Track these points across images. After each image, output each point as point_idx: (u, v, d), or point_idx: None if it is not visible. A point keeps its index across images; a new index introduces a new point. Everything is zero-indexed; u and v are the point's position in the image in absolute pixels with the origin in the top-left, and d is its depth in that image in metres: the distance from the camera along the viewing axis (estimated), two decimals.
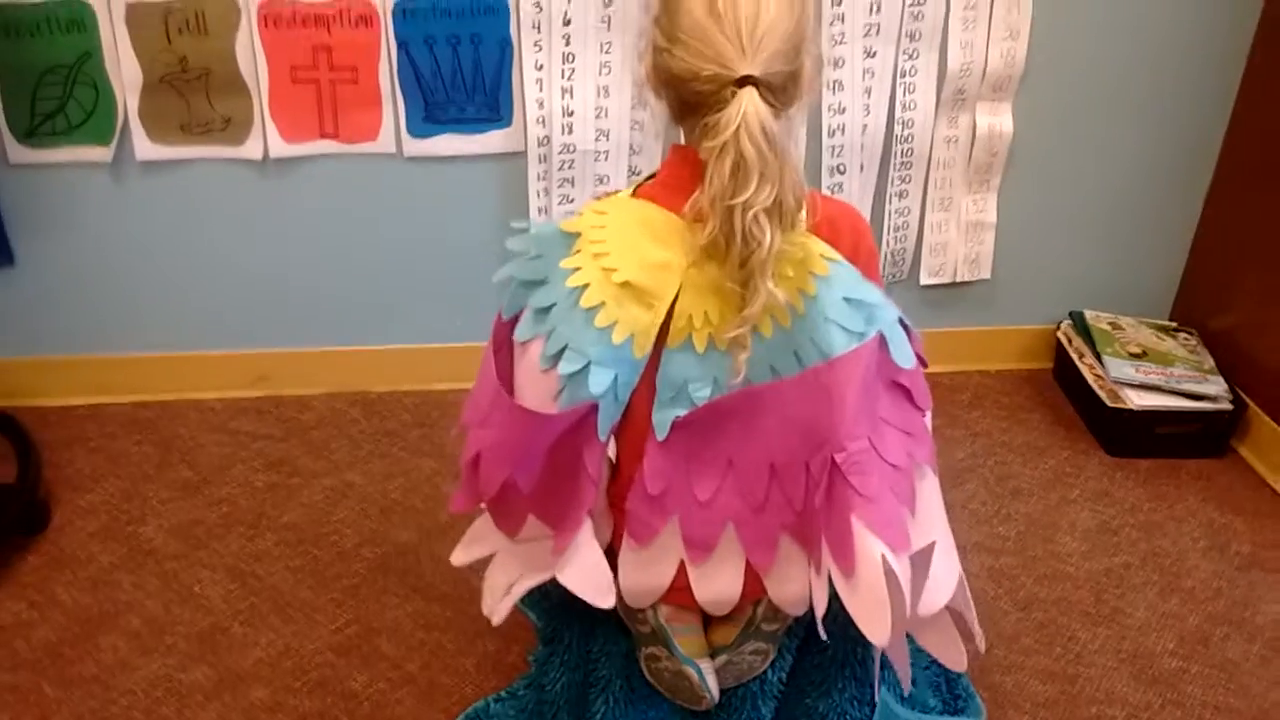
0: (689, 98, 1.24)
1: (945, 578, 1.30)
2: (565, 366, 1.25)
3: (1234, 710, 1.71)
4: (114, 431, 2.29)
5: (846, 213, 1.39)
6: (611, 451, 1.39)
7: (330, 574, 1.92)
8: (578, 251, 1.28)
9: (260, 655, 1.76)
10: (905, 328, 1.31)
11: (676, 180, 1.30)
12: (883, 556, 1.21)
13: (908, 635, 1.39)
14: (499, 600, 1.41)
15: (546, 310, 1.27)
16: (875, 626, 1.22)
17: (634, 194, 1.34)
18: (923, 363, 1.34)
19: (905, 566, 1.23)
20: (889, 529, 1.23)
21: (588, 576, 1.35)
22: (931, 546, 1.25)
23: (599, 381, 1.25)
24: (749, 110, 1.18)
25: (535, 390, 1.28)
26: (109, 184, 2.20)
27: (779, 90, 1.22)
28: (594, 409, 1.28)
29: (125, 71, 2.10)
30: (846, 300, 1.26)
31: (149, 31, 2.07)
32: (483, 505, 1.41)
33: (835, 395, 1.24)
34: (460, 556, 1.47)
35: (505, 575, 1.42)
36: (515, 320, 1.31)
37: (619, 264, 1.26)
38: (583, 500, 1.33)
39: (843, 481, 1.24)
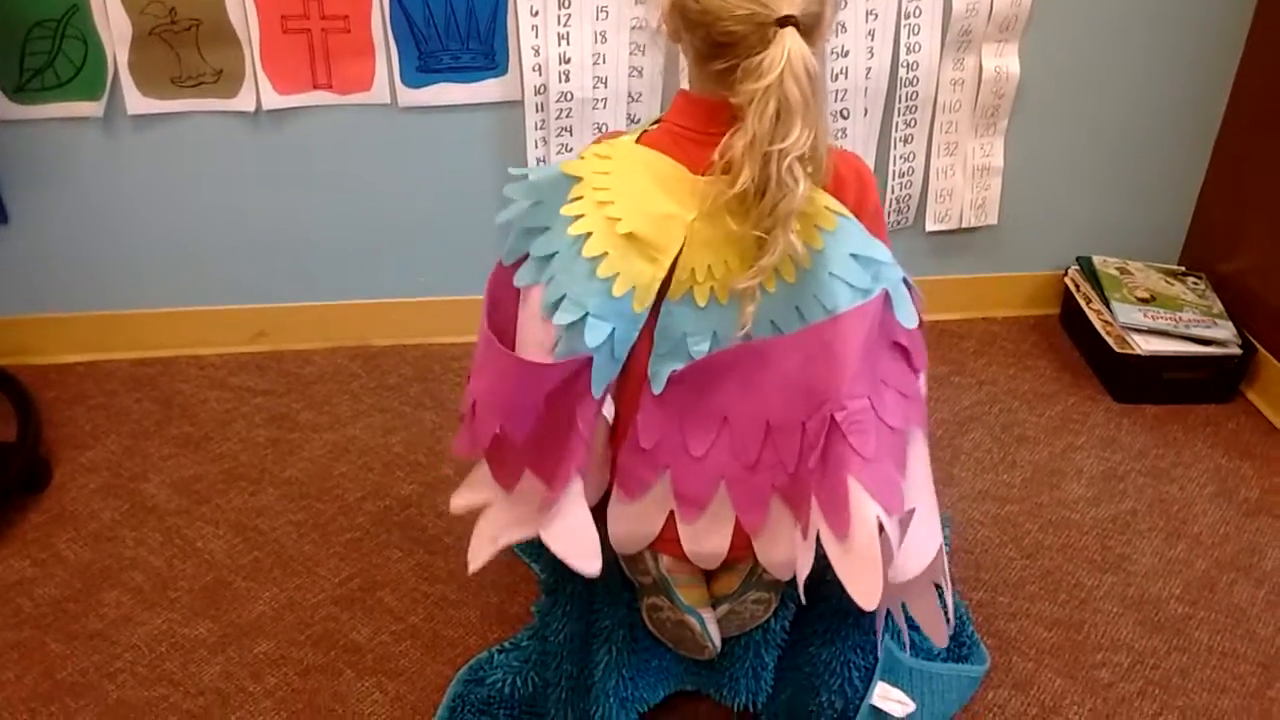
0: (720, 38, 1.19)
1: (923, 545, 1.28)
2: (562, 317, 1.22)
3: (1240, 655, 1.70)
4: (114, 388, 2.28)
5: (851, 164, 1.35)
6: (609, 409, 1.36)
7: (332, 528, 1.92)
8: (580, 197, 1.24)
9: (263, 609, 1.76)
10: (909, 286, 1.28)
11: (683, 129, 1.27)
12: (878, 519, 1.19)
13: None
14: (481, 549, 1.38)
15: (548, 259, 1.24)
16: (865, 589, 1.20)
17: (638, 140, 1.30)
18: (920, 323, 1.31)
19: (896, 530, 1.22)
20: (884, 491, 1.21)
21: (572, 539, 1.32)
22: (911, 512, 1.23)
23: (595, 335, 1.22)
24: (793, 51, 1.14)
25: (535, 338, 1.26)
26: (101, 139, 2.18)
27: (809, 30, 1.18)
28: (588, 364, 1.25)
29: (114, 24, 2.06)
30: (853, 256, 1.23)
31: None
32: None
33: (838, 352, 1.22)
34: (458, 501, 1.43)
35: (492, 526, 1.38)
36: (515, 266, 1.28)
37: (623, 213, 1.23)
38: (571, 457, 1.29)
39: (841, 441, 1.21)
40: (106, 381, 2.30)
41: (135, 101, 2.14)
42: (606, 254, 1.22)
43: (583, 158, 1.28)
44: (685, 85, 1.32)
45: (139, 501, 1.98)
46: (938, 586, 1.36)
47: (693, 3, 1.20)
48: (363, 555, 1.86)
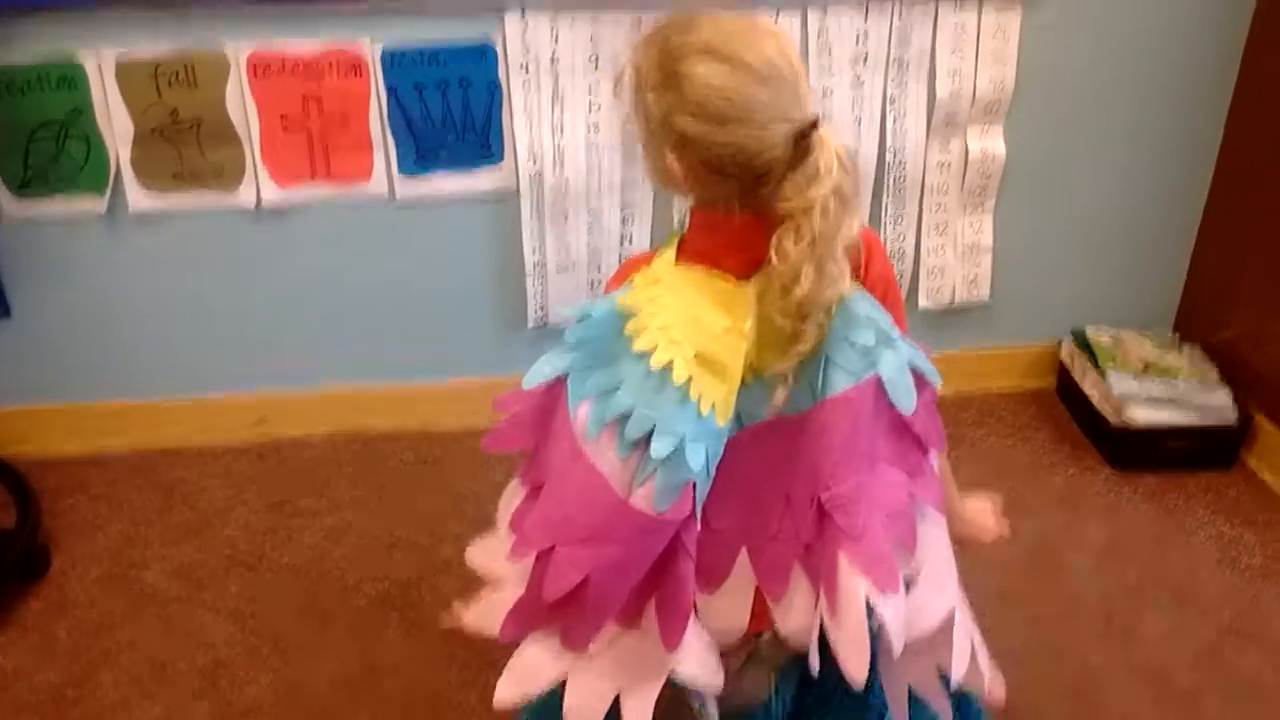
0: (761, 169, 1.18)
1: (929, 609, 1.27)
2: (659, 448, 1.15)
3: None
4: (115, 478, 2.29)
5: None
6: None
7: (331, 613, 1.91)
8: (644, 329, 1.20)
9: (261, 695, 1.75)
10: (916, 369, 1.25)
11: (712, 244, 1.26)
12: (866, 596, 1.19)
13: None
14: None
15: (611, 394, 1.19)
16: (854, 665, 1.19)
17: (677, 260, 1.28)
18: (934, 400, 1.30)
19: (893, 607, 1.21)
20: (875, 568, 1.21)
21: (703, 663, 1.27)
22: (914, 575, 1.23)
23: (697, 458, 1.17)
24: (839, 149, 1.16)
25: (614, 481, 1.18)
26: (103, 235, 2.21)
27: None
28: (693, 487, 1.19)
29: (116, 124, 2.12)
30: (848, 341, 1.24)
31: (139, 86, 2.09)
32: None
33: (824, 436, 1.23)
34: (513, 694, 1.27)
35: (599, 697, 1.26)
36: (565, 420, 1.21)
37: (685, 336, 1.19)
38: (686, 584, 1.24)
39: (830, 521, 1.22)
40: (108, 471, 2.31)
41: (137, 198, 2.18)
42: (692, 378, 1.18)
43: (633, 290, 1.24)
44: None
45: (139, 589, 1.98)
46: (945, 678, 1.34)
47: (720, 149, 1.18)
48: (362, 640, 1.85)
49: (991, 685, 1.35)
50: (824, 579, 1.24)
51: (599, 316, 1.22)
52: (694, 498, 1.19)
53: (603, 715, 1.26)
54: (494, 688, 1.57)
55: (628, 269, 1.34)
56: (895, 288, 1.39)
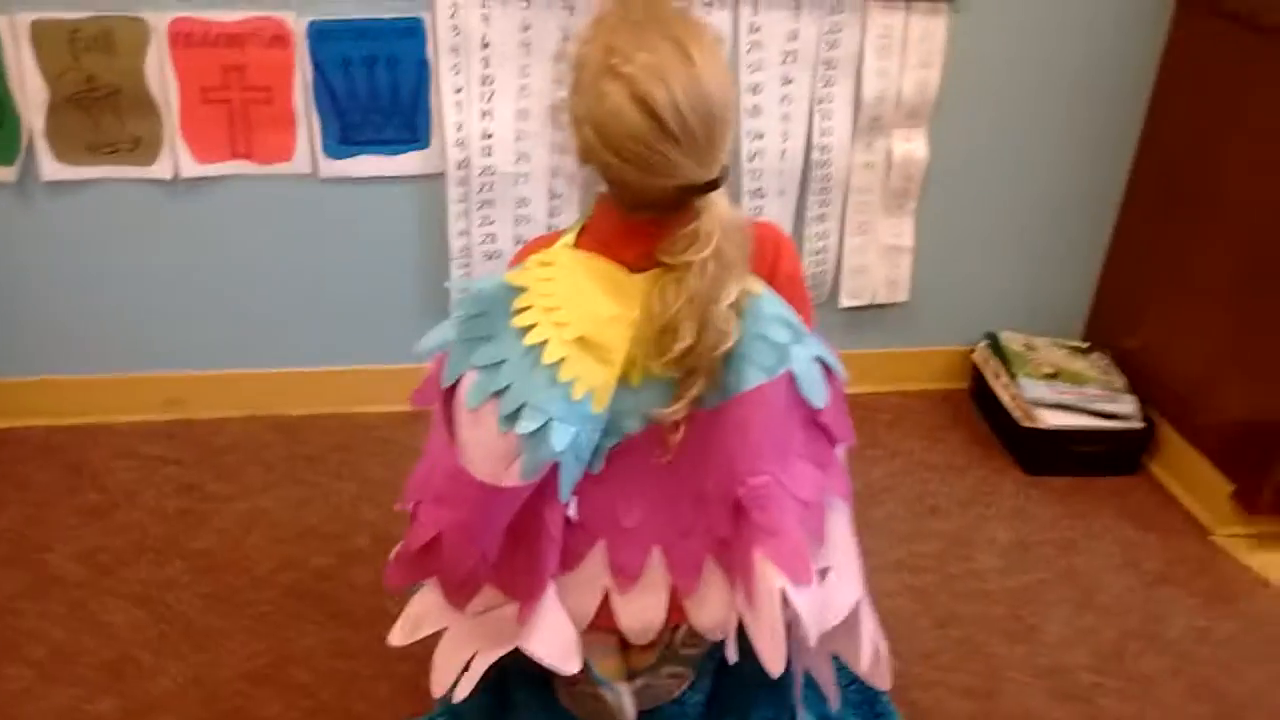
0: (638, 198, 1.23)
1: (840, 601, 1.30)
2: (525, 425, 1.19)
3: None
4: (22, 455, 2.23)
5: (762, 231, 1.37)
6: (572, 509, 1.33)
7: (242, 601, 1.88)
8: (528, 306, 1.23)
9: (170, 685, 1.72)
10: (826, 364, 1.29)
11: (612, 234, 1.28)
12: (782, 590, 1.21)
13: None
14: (452, 677, 1.33)
15: (496, 367, 1.21)
16: (772, 656, 1.22)
17: (576, 244, 1.31)
18: (841, 394, 1.33)
19: (808, 598, 1.23)
20: (790, 562, 1.24)
21: (554, 643, 1.30)
22: (825, 570, 1.26)
23: (561, 439, 1.20)
24: (724, 216, 1.19)
25: (489, 455, 1.22)
26: (14, 204, 2.15)
27: (725, 170, 1.22)
28: (554, 467, 1.23)
29: (30, 90, 2.05)
30: (760, 338, 1.25)
31: (54, 49, 2.03)
32: (422, 582, 1.36)
33: (738, 431, 1.24)
34: (402, 637, 1.37)
35: (461, 653, 1.34)
36: (453, 388, 1.25)
37: (571, 319, 1.23)
38: (545, 563, 1.29)
39: (745, 516, 1.25)
40: (15, 448, 2.25)
41: (50, 167, 2.12)
42: (565, 359, 1.21)
43: (525, 268, 1.27)
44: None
45: (42, 572, 1.93)
46: (837, 659, 1.39)
47: (613, 170, 1.22)
48: (273, 629, 1.83)
49: (883, 671, 1.39)
50: (740, 573, 1.27)
51: (488, 291, 1.25)
52: (558, 479, 1.23)
53: (460, 668, 1.32)
54: (406, 678, 1.59)
55: (528, 249, 1.36)
56: (803, 287, 1.42)
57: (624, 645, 1.45)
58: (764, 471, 1.26)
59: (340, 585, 1.92)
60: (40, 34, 2.01)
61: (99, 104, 2.08)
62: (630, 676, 1.43)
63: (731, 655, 1.29)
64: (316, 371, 2.39)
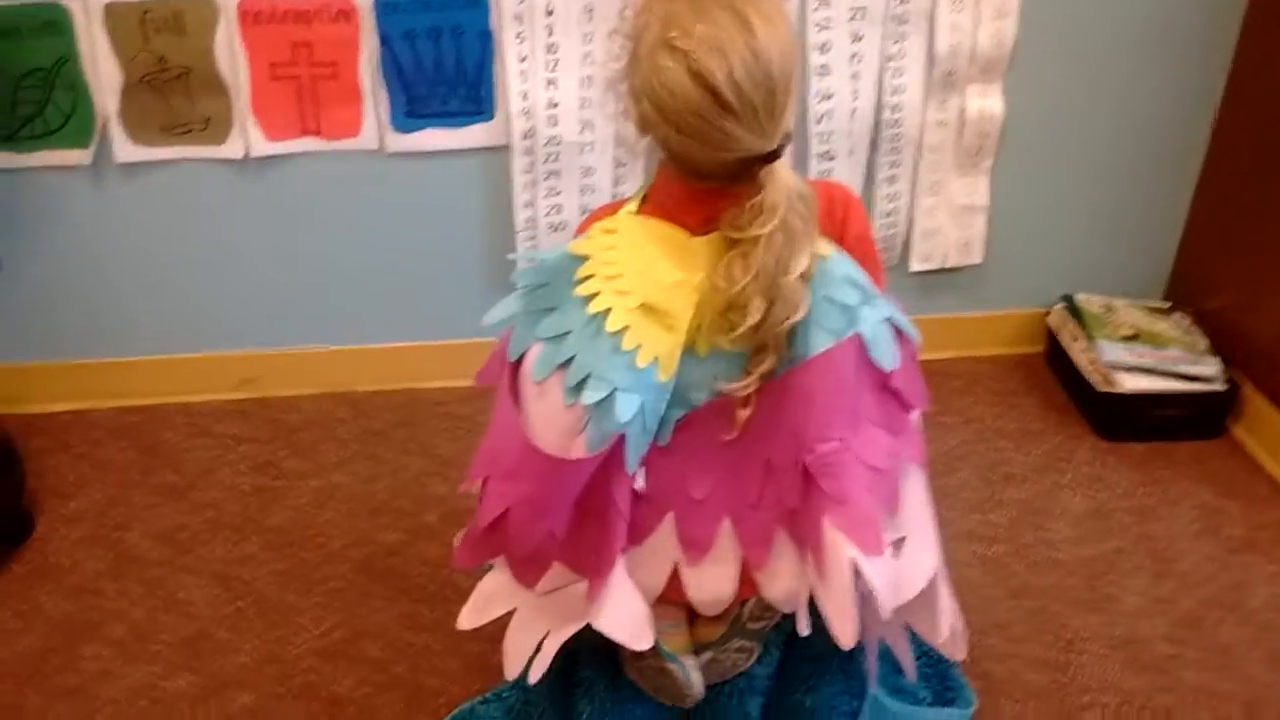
0: (700, 169, 1.21)
1: (916, 572, 1.28)
2: (590, 395, 1.18)
3: (1227, 694, 1.69)
4: (99, 437, 2.28)
5: (830, 191, 1.36)
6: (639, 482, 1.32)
7: (316, 577, 1.92)
8: (590, 276, 1.21)
9: (245, 661, 1.75)
10: (897, 326, 1.26)
11: (674, 200, 1.26)
12: (853, 561, 1.19)
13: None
14: (524, 659, 1.33)
15: (560, 339, 1.20)
16: (843, 629, 1.21)
17: (639, 210, 1.29)
18: (914, 358, 1.30)
19: (880, 569, 1.21)
20: (860, 531, 1.21)
21: (624, 619, 1.29)
22: (901, 540, 1.24)
23: (626, 409, 1.19)
24: (788, 186, 1.16)
25: (555, 427, 1.21)
26: (90, 187, 2.19)
27: (788, 137, 1.19)
28: (621, 440, 1.21)
29: (103, 73, 2.08)
30: (828, 300, 1.23)
31: (126, 32, 2.05)
32: (491, 561, 1.35)
33: (807, 397, 1.22)
34: (471, 620, 1.37)
35: (532, 633, 1.33)
36: (520, 362, 1.24)
37: (633, 286, 1.21)
38: (614, 538, 1.28)
39: (814, 484, 1.22)
40: (91, 430, 2.30)
41: (124, 149, 2.15)
42: (628, 327, 1.19)
43: (589, 237, 1.26)
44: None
45: (122, 552, 1.98)
46: (910, 631, 1.37)
47: (673, 143, 1.20)
48: (346, 605, 1.85)
49: (959, 643, 1.37)
50: (810, 543, 1.25)
51: (551, 262, 1.24)
52: (624, 451, 1.22)
53: (533, 648, 1.32)
54: (476, 655, 1.61)
55: (593, 217, 1.35)
56: (873, 248, 1.40)
57: (691, 619, 1.45)
58: (833, 438, 1.23)
59: (411, 560, 1.94)
60: (113, 17, 2.04)
61: (170, 85, 2.11)
62: (697, 651, 1.43)
63: (803, 628, 1.27)
64: (384, 347, 2.41)
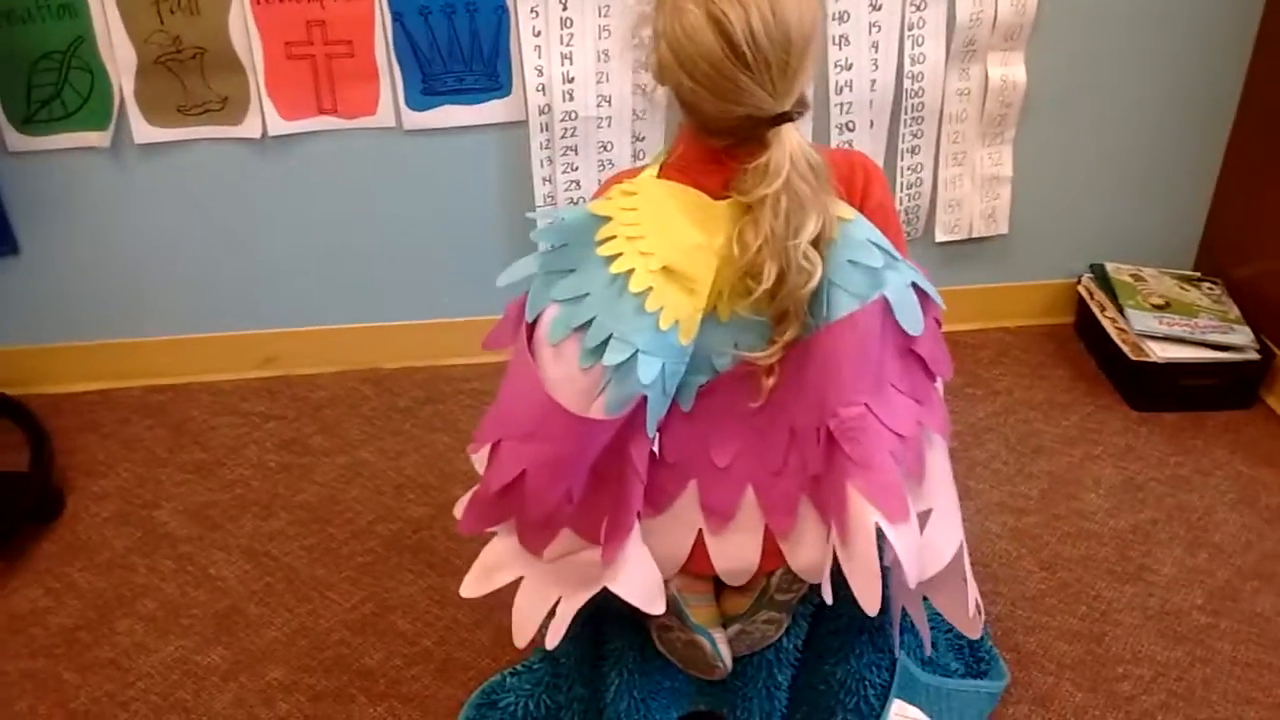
0: (710, 124, 1.20)
1: (942, 546, 1.27)
2: (612, 356, 1.17)
3: (1265, 665, 1.67)
4: (126, 416, 2.29)
5: (850, 159, 1.35)
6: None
7: (344, 552, 1.92)
8: (612, 236, 1.20)
9: (276, 635, 1.76)
10: (922, 290, 1.25)
11: (694, 161, 1.26)
12: (877, 526, 1.18)
13: (925, 599, 1.36)
14: (534, 627, 1.32)
15: (579, 300, 1.19)
16: (867, 595, 1.19)
17: (659, 174, 1.28)
18: (938, 324, 1.29)
19: (905, 536, 1.20)
20: (885, 497, 1.20)
21: (640, 583, 1.28)
22: (928, 513, 1.22)
23: (648, 371, 1.18)
24: (794, 150, 1.15)
25: (572, 391, 1.20)
26: (109, 168, 2.19)
27: (801, 114, 1.18)
28: (640, 403, 1.21)
29: (119, 54, 2.08)
30: (851, 263, 1.22)
31: (141, 13, 2.05)
32: (495, 529, 1.33)
33: (832, 361, 1.21)
34: (475, 587, 1.35)
35: (541, 600, 1.32)
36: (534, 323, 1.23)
37: (656, 248, 1.20)
38: (632, 501, 1.27)
39: (838, 449, 1.21)
40: (118, 409, 2.31)
41: (142, 130, 2.15)
42: (651, 289, 1.18)
43: (609, 197, 1.25)
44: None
45: (151, 529, 1.98)
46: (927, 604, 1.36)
47: (685, 92, 1.19)
48: (375, 579, 1.86)
49: (978, 620, 1.36)
50: (834, 511, 1.24)
51: (570, 221, 1.23)
52: (644, 415, 1.21)
53: (543, 616, 1.31)
54: (506, 627, 1.59)
55: (613, 180, 1.34)
56: (894, 215, 1.39)
57: (719, 592, 1.44)
58: (856, 402, 1.22)
59: (438, 535, 1.94)
60: None
61: (185, 65, 2.10)
62: (726, 623, 1.42)
63: (828, 596, 1.26)
64: (405, 325, 2.41)
